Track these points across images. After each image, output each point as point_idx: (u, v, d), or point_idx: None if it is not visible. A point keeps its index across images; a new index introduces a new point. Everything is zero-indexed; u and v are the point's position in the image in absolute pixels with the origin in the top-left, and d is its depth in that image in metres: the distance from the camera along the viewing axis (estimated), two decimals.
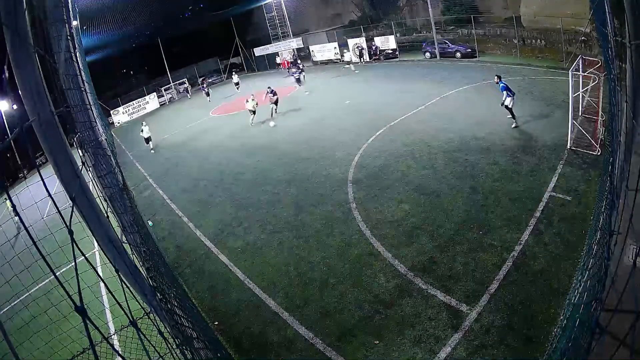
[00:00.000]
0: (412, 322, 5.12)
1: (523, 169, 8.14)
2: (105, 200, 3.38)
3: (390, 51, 25.06)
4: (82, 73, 5.87)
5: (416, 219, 7.30)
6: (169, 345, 2.29)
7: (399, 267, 6.17)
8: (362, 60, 25.86)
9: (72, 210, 1.75)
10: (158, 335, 2.06)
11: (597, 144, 8.10)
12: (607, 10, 4.96)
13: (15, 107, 20.31)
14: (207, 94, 25.95)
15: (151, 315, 2.50)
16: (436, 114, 12.67)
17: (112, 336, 5.89)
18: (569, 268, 5.29)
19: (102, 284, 1.76)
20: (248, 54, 37.13)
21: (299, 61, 25.83)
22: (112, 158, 8.10)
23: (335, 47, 28.54)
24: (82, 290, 1.29)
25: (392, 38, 25.01)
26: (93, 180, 3.37)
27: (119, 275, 2.08)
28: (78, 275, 1.34)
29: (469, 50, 20.33)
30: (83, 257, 1.43)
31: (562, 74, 12.50)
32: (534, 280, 5.28)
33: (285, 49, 31.77)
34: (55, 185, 2.03)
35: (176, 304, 3.70)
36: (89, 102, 5.77)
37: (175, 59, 35.33)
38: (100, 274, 2.26)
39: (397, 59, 24.61)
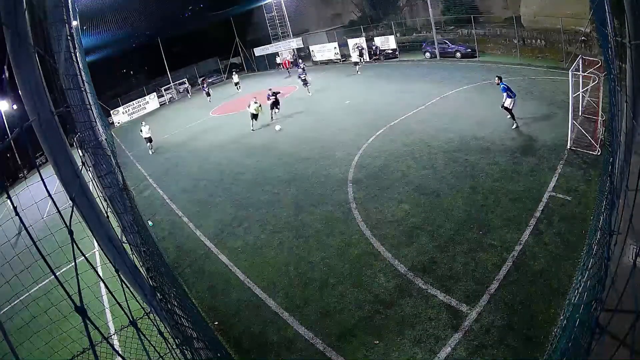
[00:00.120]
0: (412, 322, 5.12)
1: (523, 169, 8.14)
2: (105, 200, 3.39)
3: (390, 51, 25.06)
4: (82, 73, 5.88)
5: (416, 219, 7.30)
6: (169, 345, 2.29)
7: (399, 267, 6.17)
8: (362, 60, 25.86)
9: (72, 210, 1.75)
10: (158, 335, 2.07)
11: (597, 144, 8.10)
12: (607, 10, 4.97)
13: (15, 107, 20.32)
14: (208, 94, 25.99)
15: (151, 315, 2.50)
16: (436, 114, 12.67)
17: (112, 336, 5.88)
18: (569, 268, 5.29)
19: (102, 284, 1.76)
20: (248, 54, 37.16)
21: (299, 61, 25.75)
22: (112, 158, 8.11)
23: (335, 47, 28.54)
24: (82, 290, 1.29)
25: (392, 38, 25.01)
26: (93, 180, 3.37)
27: (119, 275, 2.08)
28: (78, 275, 1.34)
29: (469, 50, 20.30)
30: (83, 257, 1.44)
31: (562, 74, 12.49)
32: (534, 280, 5.28)
33: (285, 49, 31.79)
34: (55, 185, 2.03)
35: (176, 304, 3.70)
36: (89, 102, 5.77)
37: (175, 59, 35.38)
38: (100, 274, 2.26)
39: (397, 59, 24.60)
